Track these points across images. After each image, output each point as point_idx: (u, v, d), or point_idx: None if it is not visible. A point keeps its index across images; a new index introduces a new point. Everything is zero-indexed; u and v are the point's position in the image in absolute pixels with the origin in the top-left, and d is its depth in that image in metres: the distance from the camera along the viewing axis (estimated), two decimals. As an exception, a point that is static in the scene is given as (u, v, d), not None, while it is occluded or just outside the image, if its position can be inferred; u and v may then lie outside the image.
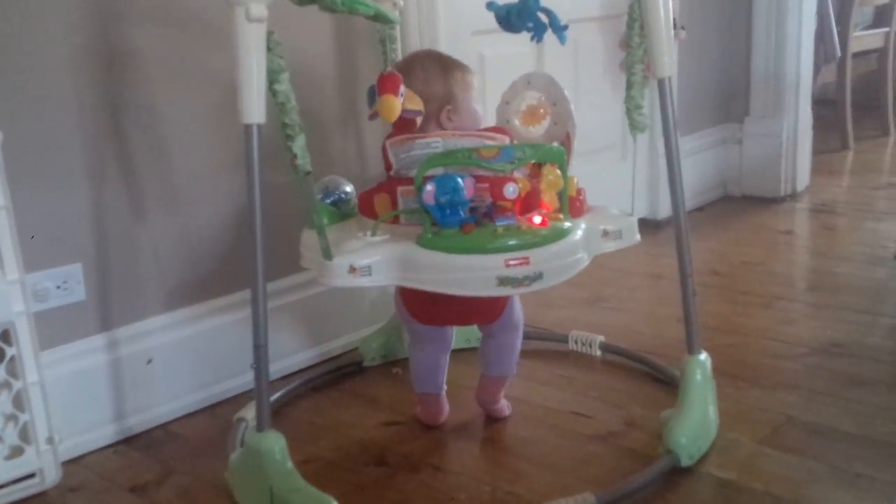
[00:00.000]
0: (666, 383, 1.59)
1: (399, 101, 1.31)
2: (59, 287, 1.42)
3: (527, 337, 1.81)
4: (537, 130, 1.47)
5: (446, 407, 1.51)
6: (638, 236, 1.38)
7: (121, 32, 1.44)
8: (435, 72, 1.39)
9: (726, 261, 2.32)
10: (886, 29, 3.73)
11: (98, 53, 1.42)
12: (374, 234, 1.26)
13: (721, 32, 2.88)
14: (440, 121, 1.38)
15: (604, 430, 1.46)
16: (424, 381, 1.48)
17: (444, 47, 1.86)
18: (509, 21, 1.41)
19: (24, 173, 1.35)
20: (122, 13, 1.43)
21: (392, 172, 1.35)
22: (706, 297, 2.01)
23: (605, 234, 1.34)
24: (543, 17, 1.39)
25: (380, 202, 1.33)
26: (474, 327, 1.60)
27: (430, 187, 1.21)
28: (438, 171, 1.24)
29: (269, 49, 1.12)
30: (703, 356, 1.41)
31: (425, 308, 1.40)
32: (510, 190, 1.24)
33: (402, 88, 1.31)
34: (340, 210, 1.42)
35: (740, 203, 2.92)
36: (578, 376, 1.67)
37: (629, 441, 1.42)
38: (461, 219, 1.23)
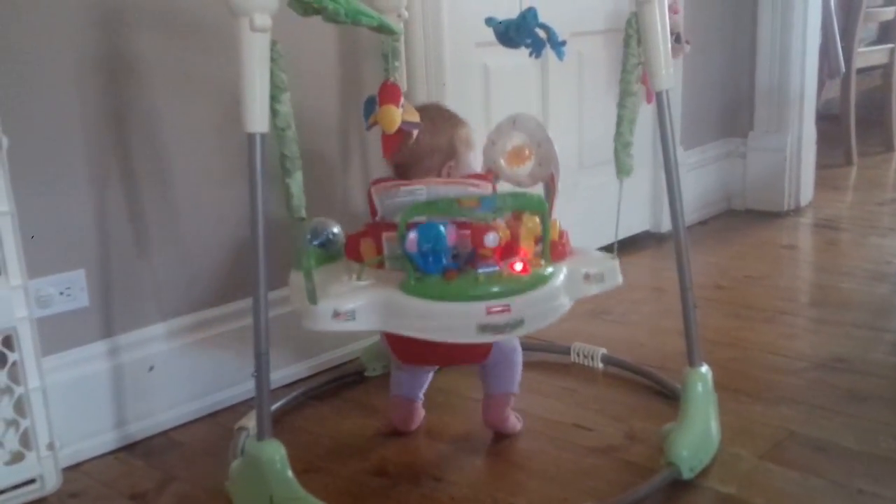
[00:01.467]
0: (668, 396, 1.58)
1: (399, 112, 1.32)
2: (62, 293, 1.43)
3: (529, 349, 1.81)
4: (522, 171, 1.50)
5: (419, 415, 1.52)
6: (620, 278, 1.39)
7: (126, 40, 1.45)
8: (442, 127, 1.42)
9: (729, 275, 2.32)
10: (891, 45, 3.74)
11: (103, 61, 1.43)
12: (359, 279, 1.28)
13: (725, 47, 2.88)
14: (440, 174, 1.40)
15: (605, 442, 1.45)
16: (402, 386, 1.50)
17: (449, 59, 1.87)
18: (508, 36, 1.42)
19: (29, 179, 1.36)
20: (128, 21, 1.44)
21: (377, 218, 1.36)
22: (709, 310, 2.01)
23: (587, 277, 1.35)
24: (542, 33, 1.40)
25: (365, 247, 1.35)
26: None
27: (412, 235, 1.22)
28: (422, 218, 1.26)
29: (273, 60, 1.13)
30: (705, 369, 1.41)
31: (409, 350, 1.40)
32: (491, 239, 1.26)
33: (402, 100, 1.32)
34: (328, 251, 1.43)
35: (744, 217, 2.92)
36: (580, 388, 1.67)
37: (630, 454, 1.41)
38: (443, 266, 1.24)
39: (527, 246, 1.31)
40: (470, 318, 1.22)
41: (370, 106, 1.39)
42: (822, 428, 1.46)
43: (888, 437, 1.42)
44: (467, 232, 1.27)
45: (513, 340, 1.47)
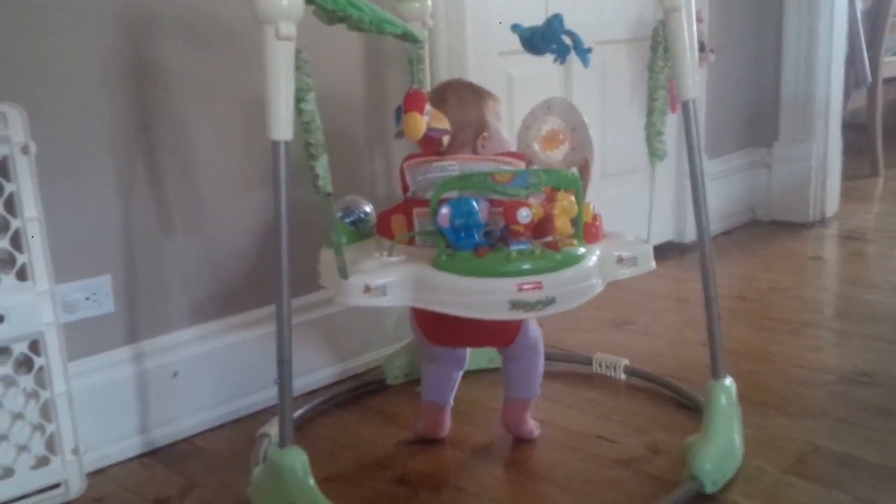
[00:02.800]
0: (690, 409, 1.57)
1: (424, 120, 1.32)
2: (87, 298, 1.44)
3: (551, 358, 1.81)
4: (556, 155, 1.48)
5: (448, 422, 1.51)
6: (653, 263, 1.38)
7: (153, 48, 1.46)
8: (469, 99, 1.41)
9: (753, 286, 2.30)
10: (918, 55, 3.70)
11: (130, 68, 1.44)
12: (390, 255, 1.27)
13: (750, 55, 2.87)
14: (475, 148, 1.40)
15: (627, 454, 1.45)
16: (433, 391, 1.49)
17: (473, 67, 1.87)
18: (534, 43, 1.42)
19: (57, 185, 1.37)
20: (155, 29, 1.46)
21: (409, 194, 1.36)
22: (732, 322, 2.00)
23: (620, 260, 1.34)
24: (567, 40, 1.39)
25: (396, 223, 1.35)
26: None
27: (445, 210, 1.22)
28: (454, 194, 1.25)
29: (297, 67, 1.14)
30: (728, 381, 1.40)
31: (438, 329, 1.40)
32: (524, 215, 1.25)
33: (428, 107, 1.32)
34: (359, 230, 1.44)
35: (768, 228, 2.89)
36: (602, 399, 1.66)
37: (652, 466, 1.40)
38: (476, 242, 1.24)
39: (561, 225, 1.29)
40: (501, 294, 1.21)
41: (400, 114, 1.40)
42: (846, 442, 1.45)
43: (915, 452, 1.41)
44: (500, 209, 1.26)
45: (537, 337, 1.47)
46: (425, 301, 1.25)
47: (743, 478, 1.35)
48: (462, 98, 1.41)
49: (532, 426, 1.51)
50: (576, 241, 1.29)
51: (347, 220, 1.43)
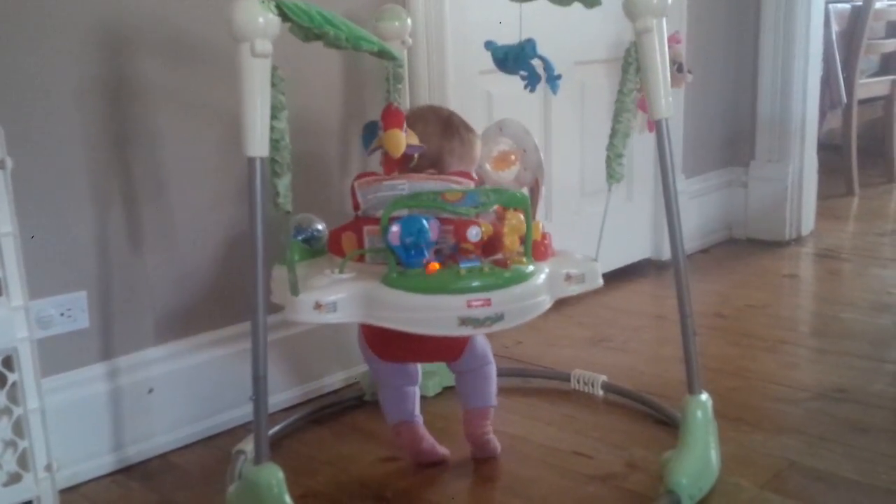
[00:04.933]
0: (668, 424, 1.58)
1: (404, 136, 1.33)
2: (62, 314, 1.43)
3: (529, 375, 1.82)
4: (507, 175, 1.52)
5: (426, 436, 1.49)
6: (601, 280, 1.41)
7: (129, 63, 1.46)
8: (434, 132, 1.42)
9: (730, 303, 2.32)
10: (893, 77, 3.76)
11: (106, 83, 1.44)
12: (340, 272, 1.28)
13: (727, 76, 2.90)
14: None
15: (605, 470, 1.45)
16: (394, 411, 1.48)
17: (452, 86, 1.88)
18: (505, 64, 1.44)
19: (32, 200, 1.36)
20: (131, 45, 1.46)
21: (359, 212, 1.37)
22: (709, 339, 2.01)
23: (568, 277, 1.36)
24: (539, 65, 1.41)
25: (347, 241, 1.36)
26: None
27: (395, 228, 1.23)
28: (404, 212, 1.27)
29: (272, 85, 1.14)
30: (704, 396, 1.41)
31: (386, 345, 1.41)
32: (473, 233, 1.27)
33: (405, 124, 1.34)
34: (312, 247, 1.44)
35: (745, 246, 2.92)
36: (580, 416, 1.66)
37: (630, 482, 1.41)
38: (426, 259, 1.25)
39: (510, 243, 1.31)
40: (451, 311, 1.23)
41: (370, 131, 1.40)
42: (822, 458, 1.46)
43: (889, 468, 1.42)
44: (450, 227, 1.28)
45: (485, 348, 1.48)
46: (375, 317, 1.26)
47: (719, 493, 1.35)
48: (428, 128, 1.42)
49: (493, 439, 1.49)
50: (524, 259, 1.31)
51: (300, 238, 1.43)
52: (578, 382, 1.78)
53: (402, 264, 1.25)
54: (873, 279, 2.51)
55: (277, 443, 1.56)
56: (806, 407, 1.67)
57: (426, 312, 1.24)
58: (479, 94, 2.05)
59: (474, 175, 1.41)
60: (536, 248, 1.35)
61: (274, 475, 1.21)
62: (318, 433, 1.63)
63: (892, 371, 1.83)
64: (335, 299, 1.24)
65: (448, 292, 1.23)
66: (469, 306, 1.23)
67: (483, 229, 1.28)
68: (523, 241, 1.32)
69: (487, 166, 1.51)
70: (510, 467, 1.48)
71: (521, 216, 1.31)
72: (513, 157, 1.50)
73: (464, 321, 1.23)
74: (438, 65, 1.87)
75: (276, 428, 1.59)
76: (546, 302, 1.33)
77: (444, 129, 1.44)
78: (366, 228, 1.33)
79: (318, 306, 1.23)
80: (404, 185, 1.33)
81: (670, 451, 1.37)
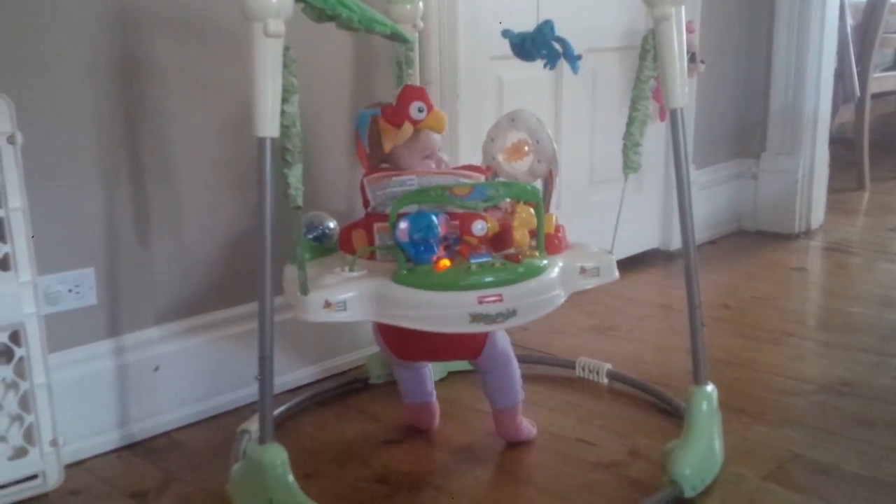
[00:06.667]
0: (672, 414, 1.58)
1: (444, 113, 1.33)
2: (70, 290, 1.43)
3: (534, 362, 1.82)
4: (521, 166, 1.50)
5: (437, 413, 1.52)
6: (616, 274, 1.39)
7: (140, 42, 1.46)
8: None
9: (737, 295, 2.31)
10: (906, 71, 3.74)
11: (117, 61, 1.44)
12: (351, 270, 1.27)
13: (740, 67, 2.88)
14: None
15: (608, 458, 1.45)
16: (411, 393, 1.51)
17: (463, 71, 1.88)
18: (524, 49, 1.43)
19: (42, 176, 1.37)
20: (143, 22, 1.45)
21: (369, 209, 1.37)
22: (716, 330, 2.01)
23: (583, 271, 1.35)
24: (558, 46, 1.40)
25: (357, 238, 1.35)
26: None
27: (403, 225, 1.22)
28: (413, 208, 1.26)
29: (284, 66, 1.14)
30: (710, 388, 1.40)
31: (404, 345, 1.40)
32: (478, 227, 1.25)
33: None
34: (323, 245, 1.43)
35: (754, 238, 2.91)
36: (584, 403, 1.66)
37: (633, 470, 1.41)
38: (435, 255, 1.24)
39: (520, 237, 1.30)
40: (462, 308, 1.22)
41: (365, 123, 1.39)
42: (826, 451, 1.46)
43: (893, 462, 1.42)
44: (457, 221, 1.27)
45: (506, 345, 1.47)
46: (386, 316, 1.25)
47: (722, 484, 1.35)
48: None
49: (527, 428, 1.51)
50: (537, 253, 1.30)
51: (311, 236, 1.43)
52: (583, 370, 1.78)
53: (411, 261, 1.24)
54: (882, 274, 2.50)
55: (282, 424, 1.56)
56: (811, 400, 1.66)
57: (436, 310, 1.22)
58: (490, 79, 2.04)
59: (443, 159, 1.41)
60: (550, 242, 1.34)
61: (278, 455, 1.22)
62: (323, 415, 1.64)
63: (898, 366, 1.82)
64: (345, 298, 1.23)
65: (458, 289, 1.22)
66: (480, 302, 1.22)
67: (489, 224, 1.26)
68: (534, 234, 1.31)
69: (500, 157, 1.50)
70: (513, 453, 1.48)
71: (532, 210, 1.30)
72: (526, 149, 1.48)
73: (475, 318, 1.22)
74: (450, 49, 1.87)
75: (281, 409, 1.59)
76: (560, 297, 1.31)
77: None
78: (376, 225, 1.33)
79: (327, 305, 1.22)
80: (413, 180, 1.32)
81: (674, 440, 1.37)
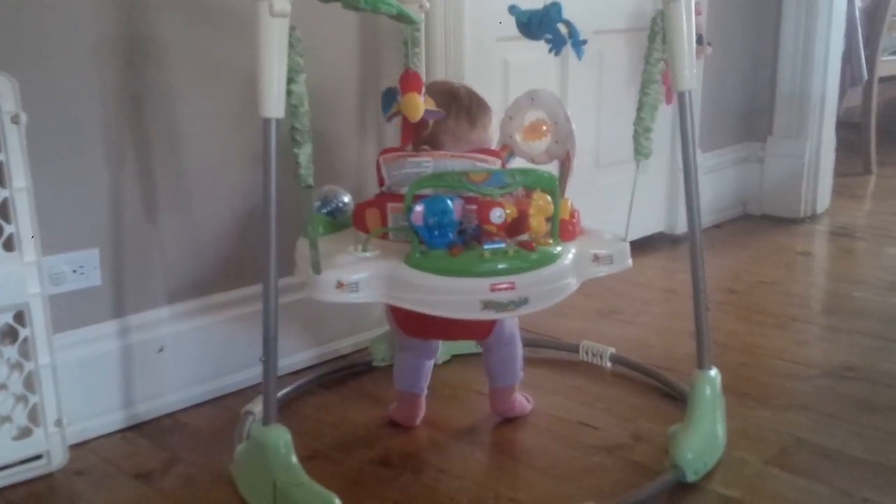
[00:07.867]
0: (675, 398, 1.58)
1: (422, 100, 1.32)
2: (75, 271, 1.43)
3: (537, 345, 1.82)
4: (539, 146, 1.48)
5: (422, 410, 1.51)
6: (630, 261, 1.38)
7: (146, 21, 1.45)
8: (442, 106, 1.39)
9: (742, 279, 2.31)
10: (915, 55, 3.71)
11: (123, 41, 1.43)
12: (364, 250, 1.26)
13: (747, 50, 2.86)
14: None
15: (610, 441, 1.45)
16: (407, 381, 1.50)
17: (469, 53, 1.87)
18: (529, 28, 1.41)
19: (47, 156, 1.36)
20: (148, 1, 1.45)
21: (384, 188, 1.36)
22: (720, 314, 2.00)
23: (596, 258, 1.34)
24: (564, 29, 1.39)
25: (371, 217, 1.34)
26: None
27: (419, 208, 1.22)
28: (428, 191, 1.25)
29: (290, 45, 1.13)
30: (714, 372, 1.40)
31: (414, 322, 1.40)
32: (497, 215, 1.24)
33: (423, 88, 1.32)
34: (337, 220, 1.43)
35: (759, 222, 2.90)
36: (587, 387, 1.67)
37: (635, 454, 1.41)
38: (449, 240, 1.23)
39: (536, 224, 1.29)
40: (473, 294, 1.21)
41: (389, 96, 1.39)
42: (829, 436, 1.46)
43: (896, 447, 1.42)
44: (474, 207, 1.26)
45: (513, 327, 1.47)
46: (397, 298, 1.25)
47: (724, 468, 1.35)
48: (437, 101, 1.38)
49: (521, 403, 1.52)
50: (551, 240, 1.29)
51: (325, 211, 1.42)
52: (587, 354, 1.78)
53: (425, 244, 1.23)
54: (887, 258, 2.49)
55: (285, 405, 1.57)
56: (814, 384, 1.66)
57: (448, 295, 1.22)
58: (496, 61, 2.03)
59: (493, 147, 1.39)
60: (564, 228, 1.33)
61: (282, 436, 1.22)
62: (327, 397, 1.64)
63: (902, 351, 1.82)
64: (357, 279, 1.22)
65: (471, 275, 1.21)
66: (493, 290, 1.21)
67: (507, 211, 1.25)
68: (550, 220, 1.30)
69: (518, 137, 1.48)
70: (516, 436, 1.48)
71: (549, 197, 1.29)
72: (544, 128, 1.46)
73: (486, 305, 1.21)
74: (455, 31, 1.85)
75: (285, 390, 1.60)
76: (573, 285, 1.30)
77: (445, 105, 1.40)
78: (390, 205, 1.31)
79: (340, 286, 1.21)
80: (430, 162, 1.31)
81: (677, 424, 1.37)
